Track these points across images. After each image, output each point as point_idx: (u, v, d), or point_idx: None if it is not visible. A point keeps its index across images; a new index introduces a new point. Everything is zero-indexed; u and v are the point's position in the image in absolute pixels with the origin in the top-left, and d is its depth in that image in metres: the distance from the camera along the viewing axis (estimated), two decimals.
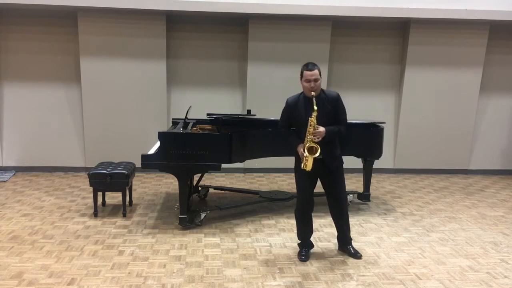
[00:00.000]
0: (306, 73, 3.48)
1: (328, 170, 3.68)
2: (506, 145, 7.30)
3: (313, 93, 3.47)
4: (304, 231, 3.86)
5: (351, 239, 3.95)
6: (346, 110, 3.74)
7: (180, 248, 3.95)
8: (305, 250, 3.84)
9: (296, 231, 3.95)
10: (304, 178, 3.69)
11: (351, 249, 3.90)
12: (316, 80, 3.47)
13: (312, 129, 3.47)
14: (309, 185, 3.74)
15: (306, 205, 3.78)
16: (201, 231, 4.37)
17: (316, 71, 3.48)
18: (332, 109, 3.59)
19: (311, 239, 3.94)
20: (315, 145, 3.47)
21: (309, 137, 3.49)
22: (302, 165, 3.54)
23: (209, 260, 3.73)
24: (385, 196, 5.81)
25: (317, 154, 3.45)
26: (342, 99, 3.70)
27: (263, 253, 3.90)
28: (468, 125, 7.05)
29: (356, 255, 3.85)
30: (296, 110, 3.61)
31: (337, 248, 4.02)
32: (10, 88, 6.48)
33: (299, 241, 3.91)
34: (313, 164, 3.50)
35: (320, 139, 3.48)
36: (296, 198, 3.87)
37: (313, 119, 3.46)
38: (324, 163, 3.61)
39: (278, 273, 3.51)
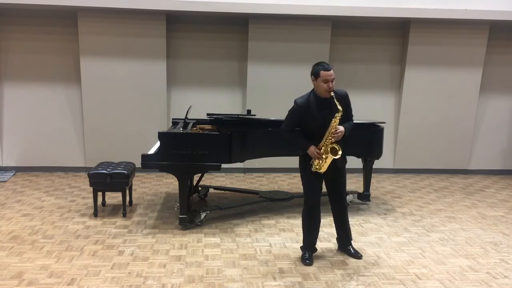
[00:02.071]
0: (324, 73, 3.40)
1: (338, 169, 3.64)
2: (506, 145, 7.30)
3: (332, 93, 3.42)
4: (310, 235, 3.78)
5: (351, 239, 3.95)
6: None
7: (180, 248, 3.95)
8: (308, 253, 3.78)
9: (302, 234, 3.84)
10: (312, 180, 3.65)
11: (351, 249, 3.90)
12: (333, 80, 3.43)
13: (334, 129, 3.43)
14: (317, 187, 3.69)
15: (315, 208, 3.71)
16: (201, 231, 4.37)
17: (332, 71, 3.43)
18: (342, 105, 3.52)
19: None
20: (336, 146, 3.44)
21: (329, 138, 3.45)
22: (314, 167, 3.52)
23: (209, 260, 3.73)
24: (385, 196, 5.81)
25: (339, 155, 3.42)
26: None
27: (263, 253, 3.90)
28: (468, 125, 7.05)
29: (357, 255, 3.85)
30: (309, 111, 3.50)
31: (337, 248, 4.02)
32: (10, 88, 6.48)
33: (303, 244, 3.83)
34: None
35: (339, 138, 3.47)
36: (303, 199, 3.77)
37: (336, 120, 3.43)
38: (335, 162, 3.56)
39: (278, 273, 3.51)
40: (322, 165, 3.51)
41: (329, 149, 3.45)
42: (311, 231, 3.77)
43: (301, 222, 3.84)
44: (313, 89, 3.56)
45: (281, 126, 3.70)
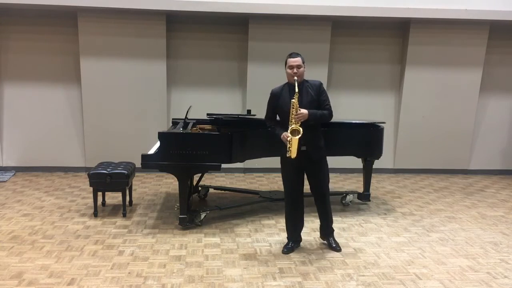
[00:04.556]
0: (290, 59, 3.64)
1: (312, 161, 3.75)
2: (506, 145, 7.30)
3: (296, 77, 3.59)
4: (292, 225, 3.95)
5: (333, 231, 4.04)
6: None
7: (180, 248, 3.95)
8: (291, 244, 3.94)
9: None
10: (290, 172, 3.81)
11: (331, 241, 3.99)
12: (298, 67, 3.62)
13: (294, 111, 3.55)
14: (295, 178, 3.83)
15: (292, 198, 3.88)
16: (201, 231, 4.37)
17: (299, 59, 3.64)
18: (315, 96, 3.70)
19: (303, 234, 4.06)
20: (297, 127, 3.56)
21: (292, 120, 3.57)
22: (288, 153, 3.62)
23: (209, 260, 3.73)
24: (385, 196, 5.81)
25: (300, 135, 3.53)
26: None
27: (263, 253, 3.90)
28: (468, 125, 7.05)
29: (336, 248, 3.94)
30: (281, 98, 3.73)
31: (319, 236, 4.13)
32: (10, 88, 6.48)
33: (287, 235, 4.00)
34: (298, 154, 3.59)
35: (302, 120, 3.56)
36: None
37: (295, 101, 3.55)
38: (308, 154, 3.70)
39: (278, 273, 3.51)
40: (290, 149, 3.60)
41: (290, 132, 3.58)
42: (291, 218, 3.93)
43: None
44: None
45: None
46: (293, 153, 3.59)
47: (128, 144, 6.47)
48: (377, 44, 6.89)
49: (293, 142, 3.57)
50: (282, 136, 3.64)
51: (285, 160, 3.73)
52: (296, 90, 3.54)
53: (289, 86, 3.71)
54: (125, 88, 6.50)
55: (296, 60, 3.62)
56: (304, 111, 3.56)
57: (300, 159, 3.65)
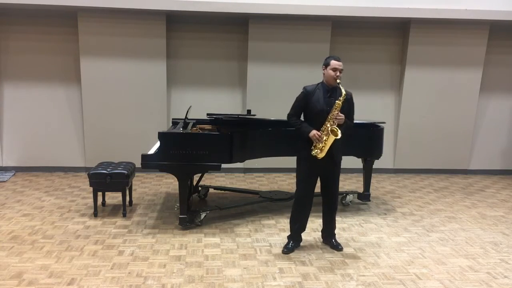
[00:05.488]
0: (334, 62, 3.68)
1: (333, 162, 3.78)
2: (506, 145, 7.30)
3: (338, 80, 3.65)
4: (297, 224, 3.96)
5: (335, 234, 4.08)
6: None
7: (180, 248, 3.95)
8: (291, 244, 3.95)
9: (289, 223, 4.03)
10: (307, 170, 3.80)
11: (333, 241, 4.02)
12: (341, 71, 3.68)
13: (336, 111, 3.61)
14: (311, 181, 3.84)
15: (303, 201, 3.88)
16: (201, 231, 4.37)
17: (341, 63, 3.71)
18: (345, 105, 3.73)
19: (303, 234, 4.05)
20: (335, 128, 3.60)
21: (331, 120, 3.62)
22: (315, 151, 3.65)
23: (209, 260, 3.73)
24: (385, 196, 5.81)
25: (339, 135, 3.57)
26: None
27: (263, 253, 3.90)
28: (468, 125, 7.05)
29: (338, 247, 3.97)
30: (315, 97, 3.71)
31: (321, 241, 4.14)
32: (10, 88, 6.48)
33: (290, 233, 4.00)
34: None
35: (339, 123, 3.63)
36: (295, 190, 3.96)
37: (339, 102, 3.62)
38: (331, 155, 3.71)
39: (278, 273, 3.51)
40: (322, 148, 3.64)
41: (329, 130, 3.61)
42: (297, 219, 3.93)
43: None
44: (322, 80, 3.79)
45: (286, 118, 3.87)
46: (323, 152, 3.64)
47: (128, 144, 6.47)
48: (377, 44, 6.89)
49: (328, 142, 3.62)
50: (313, 134, 3.64)
51: (304, 162, 3.76)
52: (344, 92, 3.61)
53: (324, 87, 3.74)
54: (125, 88, 6.50)
55: (341, 64, 3.68)
56: (343, 115, 3.63)
57: (322, 159, 3.68)
